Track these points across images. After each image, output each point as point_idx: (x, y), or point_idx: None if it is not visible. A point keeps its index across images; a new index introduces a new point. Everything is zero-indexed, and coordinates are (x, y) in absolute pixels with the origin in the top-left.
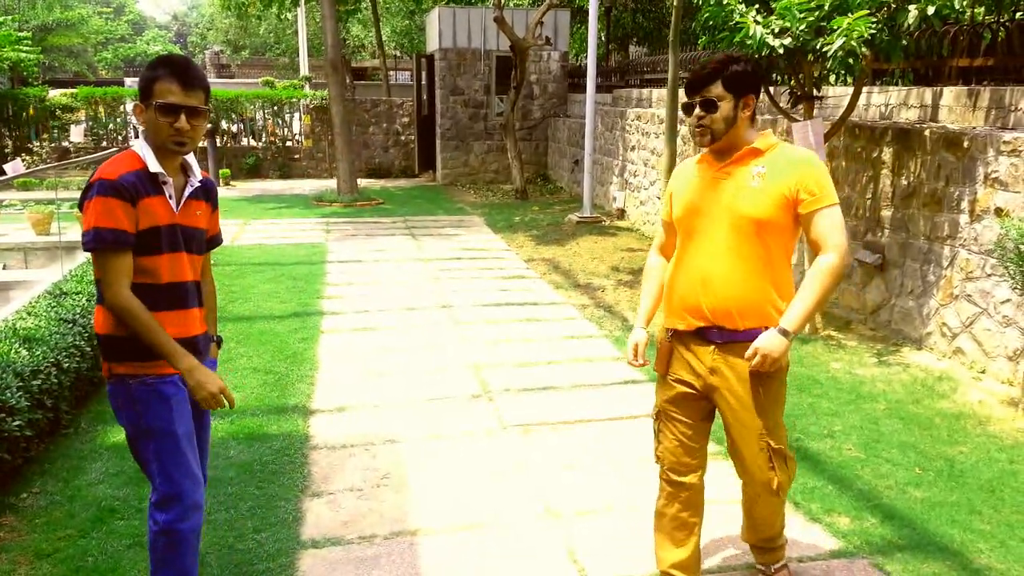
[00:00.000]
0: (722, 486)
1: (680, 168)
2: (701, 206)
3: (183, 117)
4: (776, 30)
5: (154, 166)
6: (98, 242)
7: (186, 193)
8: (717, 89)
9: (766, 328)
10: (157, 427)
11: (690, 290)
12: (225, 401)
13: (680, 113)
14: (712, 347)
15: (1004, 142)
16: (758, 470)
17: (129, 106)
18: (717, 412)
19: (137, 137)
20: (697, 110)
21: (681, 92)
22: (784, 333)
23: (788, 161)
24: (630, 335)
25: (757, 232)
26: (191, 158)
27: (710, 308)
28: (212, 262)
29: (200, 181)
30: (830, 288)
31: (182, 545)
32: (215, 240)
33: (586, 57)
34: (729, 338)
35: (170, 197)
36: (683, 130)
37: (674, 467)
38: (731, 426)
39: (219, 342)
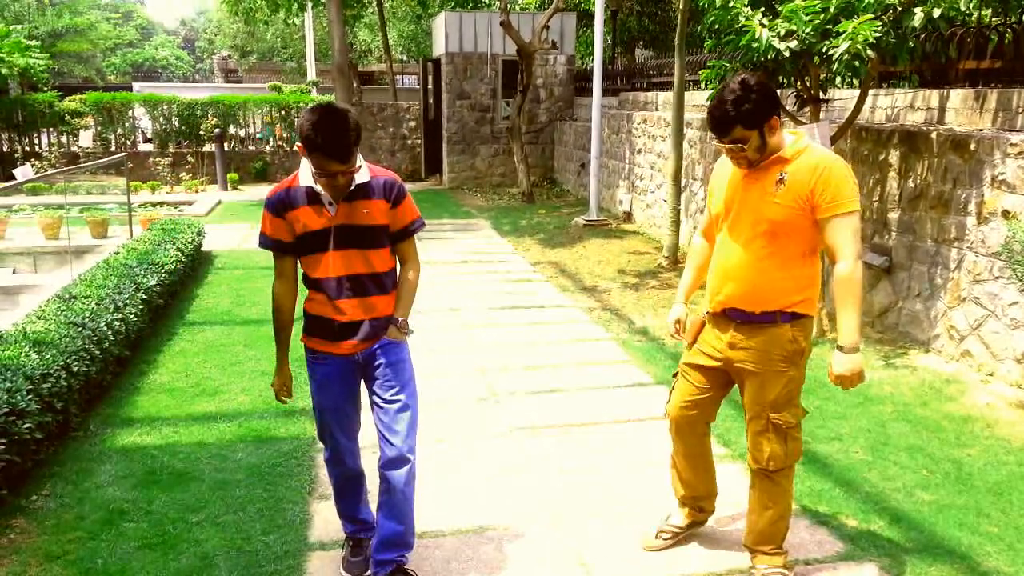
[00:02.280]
0: (729, 491)
1: (720, 165)
2: (732, 206)
3: (339, 177)
4: (782, 33)
5: (305, 180)
6: (260, 243)
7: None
8: (738, 132)
9: (780, 312)
10: (313, 395)
11: (717, 279)
12: (283, 397)
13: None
14: (732, 324)
15: (1011, 144)
16: (754, 436)
17: (138, 111)
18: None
19: (146, 142)
20: (728, 147)
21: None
22: (841, 349)
23: (808, 167)
24: (671, 311)
25: (776, 234)
26: (359, 159)
27: (730, 295)
28: (221, 265)
29: (363, 183)
30: (859, 293)
31: (331, 476)
32: (407, 230)
33: (592, 61)
34: (747, 319)
35: (329, 204)
36: (689, 133)
37: (678, 421)
38: (744, 396)
39: (401, 326)
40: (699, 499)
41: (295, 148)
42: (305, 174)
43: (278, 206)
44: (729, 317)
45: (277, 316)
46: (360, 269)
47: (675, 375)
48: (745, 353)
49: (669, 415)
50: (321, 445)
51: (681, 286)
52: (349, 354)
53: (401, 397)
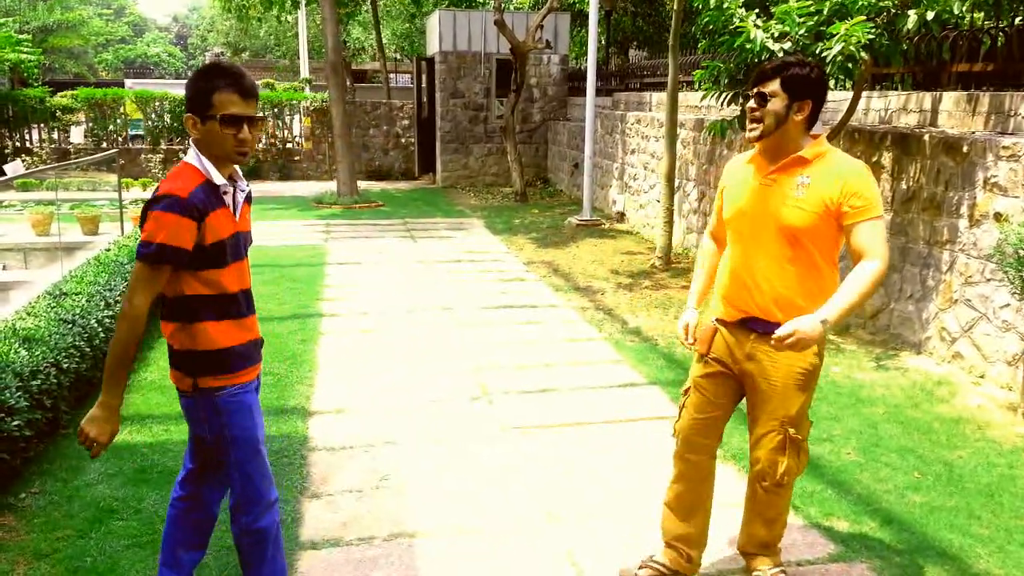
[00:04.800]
0: (726, 490)
1: (732, 166)
2: (748, 211)
3: (245, 127)
4: (776, 34)
5: (218, 179)
6: (160, 257)
7: (239, 200)
8: (773, 86)
9: None
10: (240, 435)
11: (737, 288)
12: (93, 445)
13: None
14: (752, 335)
15: (1003, 147)
16: (769, 452)
17: (130, 108)
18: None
19: (144, 142)
20: (752, 102)
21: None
22: (822, 322)
23: (834, 172)
24: (681, 316)
25: (800, 239)
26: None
27: (755, 305)
28: None
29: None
30: (871, 291)
31: (265, 541)
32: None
33: (586, 60)
34: (769, 329)
35: (231, 207)
36: (683, 134)
37: (688, 440)
38: (756, 408)
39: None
40: (689, 542)
41: (184, 125)
42: (210, 169)
43: (199, 207)
44: (749, 328)
45: (134, 343)
46: (249, 281)
47: (685, 392)
48: (765, 367)
49: (678, 434)
50: (265, 500)
51: (693, 290)
52: (257, 375)
53: None
